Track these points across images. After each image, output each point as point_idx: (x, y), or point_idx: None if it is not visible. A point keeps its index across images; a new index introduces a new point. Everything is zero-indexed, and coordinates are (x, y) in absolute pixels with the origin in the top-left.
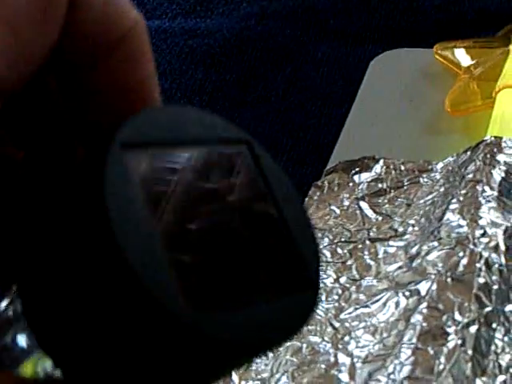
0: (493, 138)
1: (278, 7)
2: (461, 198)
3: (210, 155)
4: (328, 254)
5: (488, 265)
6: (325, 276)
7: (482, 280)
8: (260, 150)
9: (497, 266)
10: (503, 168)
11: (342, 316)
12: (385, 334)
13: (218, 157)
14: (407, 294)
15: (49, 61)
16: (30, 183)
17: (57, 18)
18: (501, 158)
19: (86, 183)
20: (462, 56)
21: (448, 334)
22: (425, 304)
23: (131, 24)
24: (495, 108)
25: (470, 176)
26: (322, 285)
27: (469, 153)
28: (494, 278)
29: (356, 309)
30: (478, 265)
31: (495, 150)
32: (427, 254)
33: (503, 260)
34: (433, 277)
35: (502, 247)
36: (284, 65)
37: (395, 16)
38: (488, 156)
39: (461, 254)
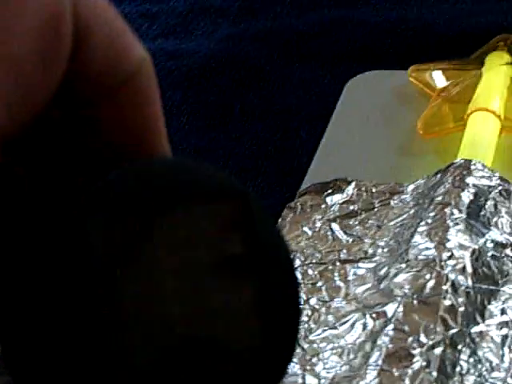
0: (462, 161)
1: (257, 29)
2: (429, 221)
3: (200, 213)
4: (299, 275)
5: (454, 287)
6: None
7: (448, 302)
8: (254, 203)
9: (463, 288)
10: (472, 190)
11: (311, 337)
12: (352, 356)
13: (207, 215)
14: (374, 315)
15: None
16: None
17: (60, 63)
18: (470, 180)
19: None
20: (436, 78)
21: (413, 356)
22: (391, 326)
23: (137, 63)
24: (466, 130)
25: (439, 198)
26: None
27: (439, 175)
28: (460, 300)
29: (324, 330)
30: (444, 287)
31: (465, 172)
32: (395, 276)
33: (470, 282)
34: (399, 299)
35: (469, 269)
36: (261, 87)
37: (371, 38)
38: (457, 178)
39: (427, 276)
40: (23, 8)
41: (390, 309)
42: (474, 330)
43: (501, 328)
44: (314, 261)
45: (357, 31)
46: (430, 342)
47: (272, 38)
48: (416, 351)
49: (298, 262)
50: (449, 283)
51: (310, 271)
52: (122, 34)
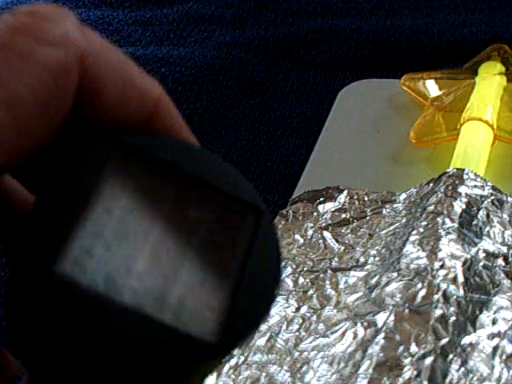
0: (455, 170)
1: (250, 37)
2: (421, 230)
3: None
4: (290, 283)
5: (446, 296)
6: (286, 305)
7: (439, 312)
8: (265, 225)
9: (455, 297)
10: (464, 200)
11: (302, 346)
12: (342, 365)
13: (215, 209)
14: (365, 324)
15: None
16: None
17: (61, 110)
18: (462, 189)
19: None
20: (429, 87)
21: (404, 365)
22: (382, 335)
23: (154, 101)
24: (459, 140)
25: (431, 208)
26: (283, 313)
27: (431, 184)
28: (451, 309)
29: (315, 338)
30: (435, 296)
31: (457, 181)
32: (386, 284)
33: (461, 292)
34: (391, 308)
35: (461, 279)
36: (254, 94)
37: (364, 47)
38: (450, 188)
39: (419, 285)
40: (32, 59)
41: (381, 318)
42: (465, 340)
43: (492, 338)
44: (305, 269)
45: (350, 40)
46: (421, 352)
47: (265, 45)
48: (407, 360)
49: (289, 270)
50: (440, 293)
51: (301, 279)
52: (134, 78)
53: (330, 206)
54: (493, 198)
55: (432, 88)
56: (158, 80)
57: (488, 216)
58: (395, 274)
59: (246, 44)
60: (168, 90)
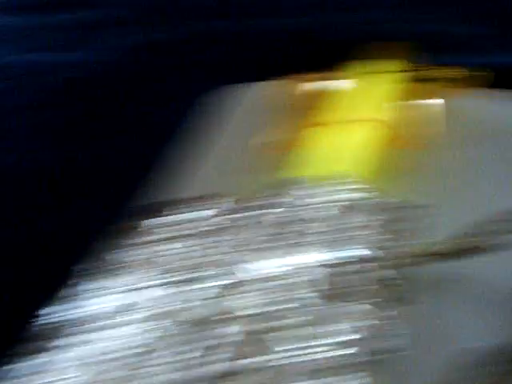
0: (334, 173)
1: (147, 40)
2: (288, 236)
3: None
4: (160, 292)
5: (304, 304)
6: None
7: (291, 321)
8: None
9: (314, 306)
10: (340, 204)
11: (152, 361)
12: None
13: None
14: (214, 335)
15: None
16: None
17: None
18: (339, 194)
19: None
20: (304, 89)
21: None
22: (230, 348)
23: None
24: (307, 145)
25: (301, 213)
26: (144, 327)
27: (285, 191)
28: (308, 318)
29: (173, 354)
30: (292, 305)
31: (337, 185)
32: (234, 295)
33: (322, 299)
34: (243, 320)
35: (324, 286)
36: (136, 98)
37: (249, 48)
38: (324, 192)
39: (278, 293)
40: None
41: (229, 330)
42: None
43: (344, 348)
44: (169, 279)
45: (234, 42)
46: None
47: (162, 48)
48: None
49: (158, 279)
50: (299, 300)
51: (160, 291)
52: None
53: (192, 216)
54: (375, 200)
55: (306, 90)
56: (54, 86)
57: (362, 220)
58: (253, 285)
59: (143, 47)
60: (65, 95)
